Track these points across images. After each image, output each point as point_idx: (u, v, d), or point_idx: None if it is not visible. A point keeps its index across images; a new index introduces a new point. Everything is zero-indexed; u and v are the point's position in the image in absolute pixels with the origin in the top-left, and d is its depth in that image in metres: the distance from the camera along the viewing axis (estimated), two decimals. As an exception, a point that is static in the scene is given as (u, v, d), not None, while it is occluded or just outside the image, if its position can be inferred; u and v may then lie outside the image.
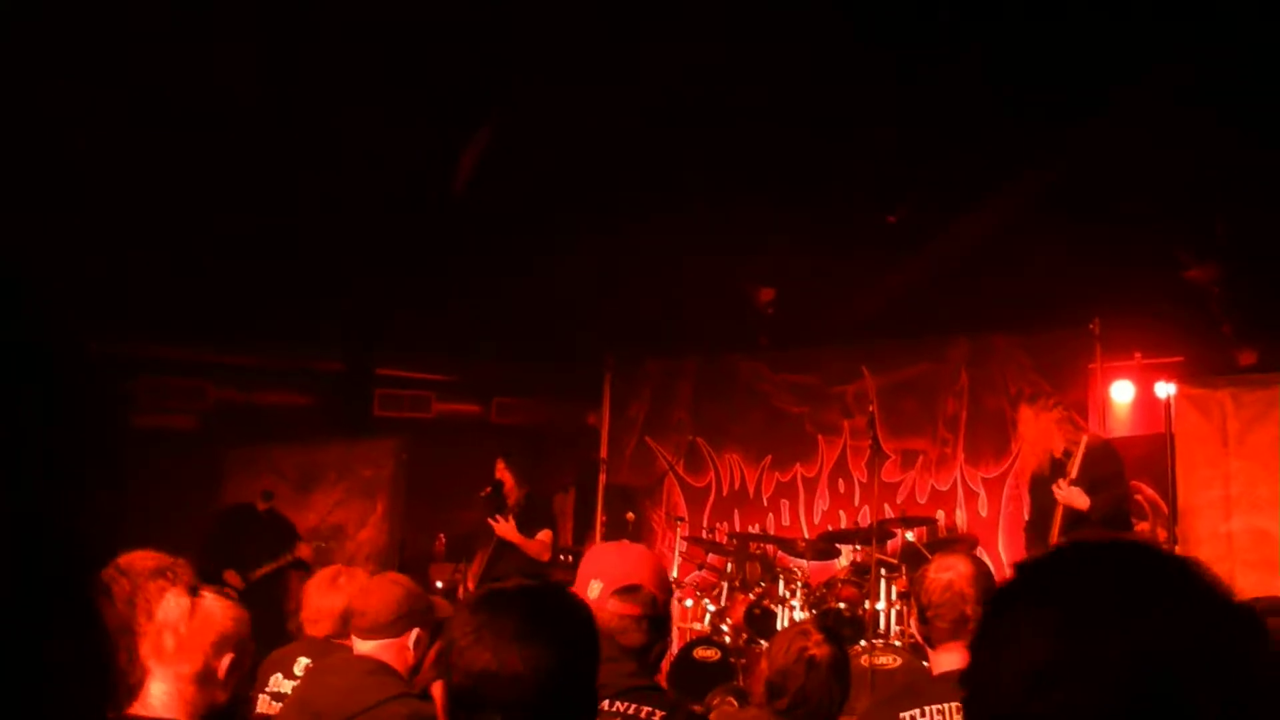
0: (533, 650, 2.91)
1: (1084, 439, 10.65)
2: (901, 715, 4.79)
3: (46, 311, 1.12)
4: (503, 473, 13.25)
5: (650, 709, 4.17)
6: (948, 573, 4.91)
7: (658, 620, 4.45)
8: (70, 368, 1.14)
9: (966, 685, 1.85)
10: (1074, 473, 10.43)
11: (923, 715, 4.74)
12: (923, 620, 4.89)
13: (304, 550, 14.10)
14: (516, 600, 3.03)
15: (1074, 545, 1.93)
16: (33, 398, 1.09)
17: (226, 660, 4.39)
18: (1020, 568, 1.92)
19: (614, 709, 4.13)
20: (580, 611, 3.14)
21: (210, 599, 4.44)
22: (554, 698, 2.94)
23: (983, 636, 1.85)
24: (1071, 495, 10.39)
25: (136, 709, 4.07)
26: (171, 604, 4.24)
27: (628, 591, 4.38)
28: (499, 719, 2.93)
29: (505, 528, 12.79)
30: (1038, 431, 10.94)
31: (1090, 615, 1.73)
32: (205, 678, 4.31)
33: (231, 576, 13.50)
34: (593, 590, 4.41)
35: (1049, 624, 1.73)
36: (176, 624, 4.22)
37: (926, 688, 4.94)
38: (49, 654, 1.06)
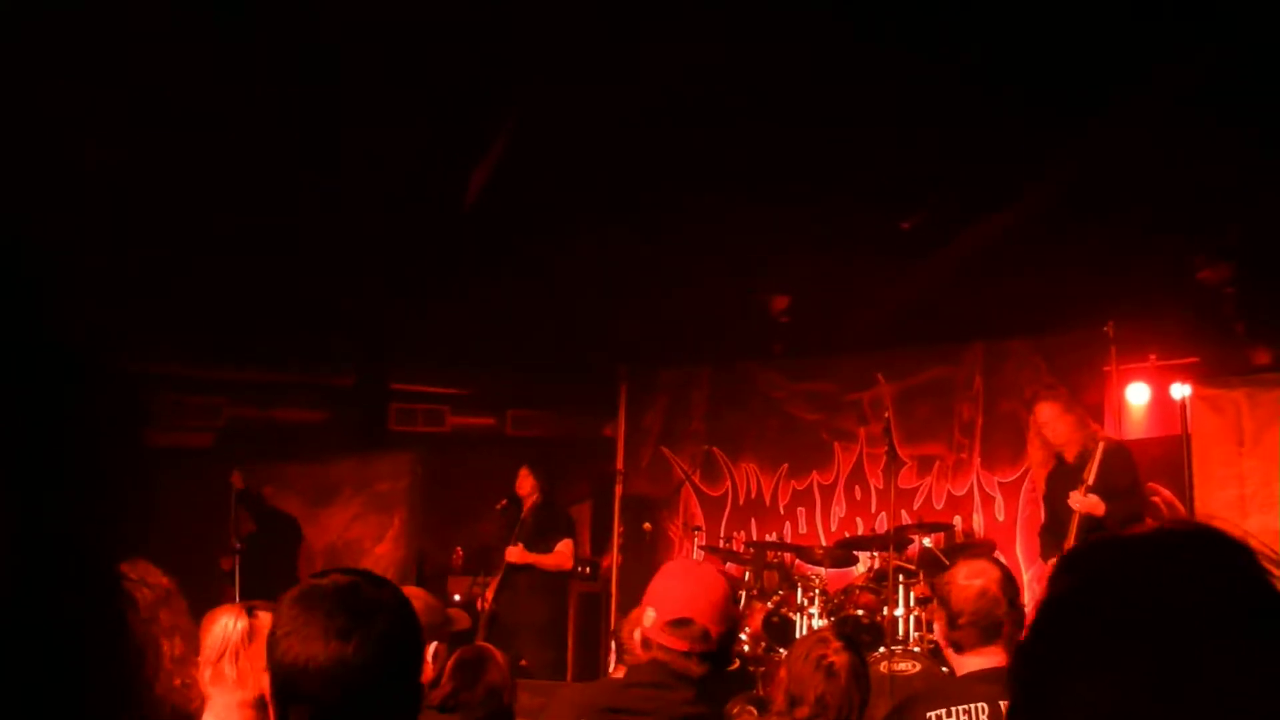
0: (340, 644, 2.92)
1: (1101, 443, 10.63)
2: (928, 715, 4.78)
3: (73, 318, 1.12)
4: (524, 479, 13.28)
5: None
6: (979, 579, 4.90)
7: (711, 655, 4.36)
8: (100, 376, 1.14)
9: None
10: (1091, 477, 10.41)
11: (949, 715, 4.73)
12: (952, 626, 4.87)
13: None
14: (329, 595, 3.03)
15: (1148, 541, 1.63)
16: (62, 405, 1.09)
17: None
18: (1082, 578, 1.62)
19: None
20: (392, 606, 3.10)
21: (266, 618, 4.41)
22: (364, 691, 2.95)
23: (1046, 673, 1.57)
24: (1089, 504, 10.37)
25: None
26: (230, 627, 4.22)
27: (678, 625, 4.32)
28: (312, 710, 2.97)
29: (515, 552, 12.84)
30: (1066, 427, 10.90)
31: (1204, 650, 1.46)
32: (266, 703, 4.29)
33: (224, 563, 13.72)
34: (647, 618, 4.35)
35: (1142, 665, 1.47)
36: (237, 649, 4.20)
37: (952, 688, 4.94)
38: (78, 662, 1.06)
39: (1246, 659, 1.45)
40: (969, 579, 4.91)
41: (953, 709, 4.74)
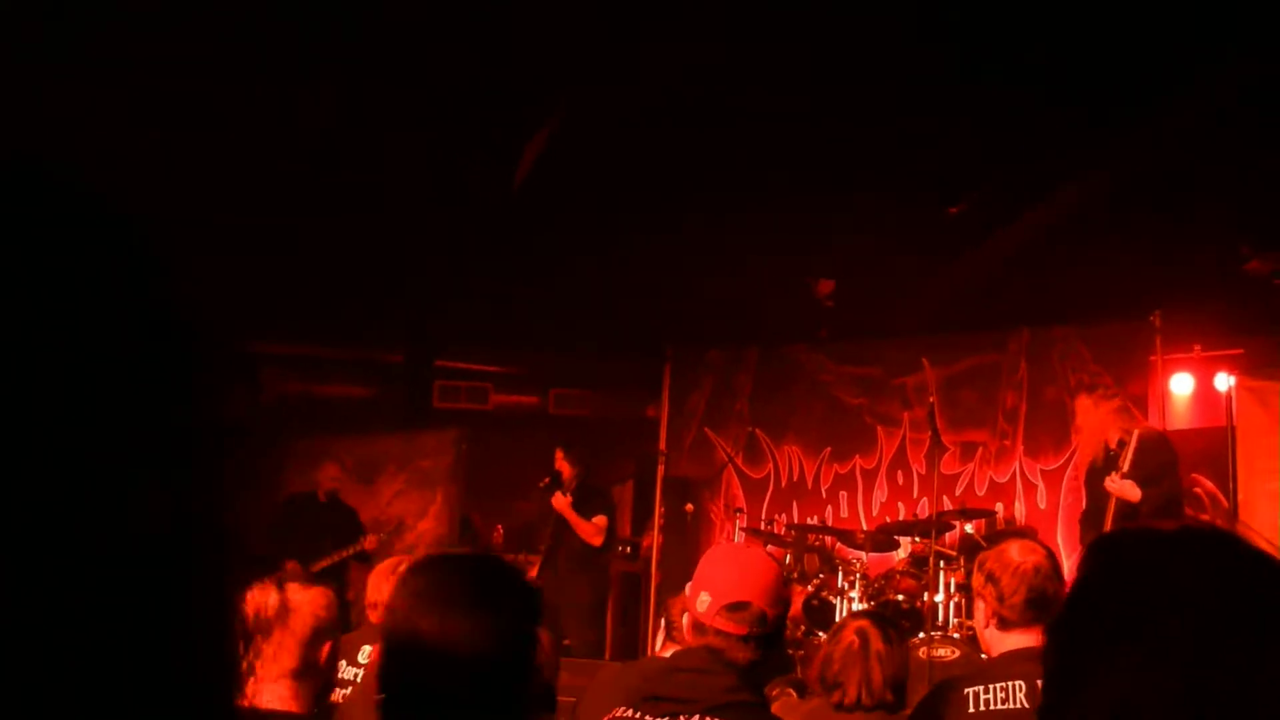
0: (461, 618, 2.93)
1: (1137, 431, 10.63)
2: (966, 691, 4.81)
3: (194, 303, 1.16)
4: (561, 463, 13.34)
5: None
6: (1033, 556, 4.92)
7: (766, 638, 4.29)
8: (225, 359, 1.17)
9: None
10: (1126, 465, 10.42)
11: (986, 692, 4.76)
12: (1001, 602, 4.88)
13: (370, 542, 14.11)
14: (451, 569, 3.05)
15: (1178, 534, 1.71)
16: (199, 383, 1.12)
17: (325, 649, 4.43)
18: (1116, 563, 1.73)
19: None
20: (515, 584, 3.13)
21: (295, 590, 4.48)
22: (481, 666, 2.94)
23: (1070, 659, 1.68)
24: (1124, 488, 10.39)
25: (248, 705, 4.11)
26: (265, 604, 4.27)
27: (735, 609, 4.25)
28: (428, 682, 2.95)
29: (561, 501, 12.91)
30: (1095, 421, 10.94)
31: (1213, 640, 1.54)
32: (305, 671, 4.36)
33: (292, 566, 13.54)
34: (701, 603, 4.29)
35: (1161, 651, 1.55)
36: (271, 623, 4.26)
37: (990, 667, 4.96)
38: (194, 641, 1.10)
39: (1268, 650, 1.51)
40: (1024, 555, 4.92)
41: (990, 686, 4.77)
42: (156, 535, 1.05)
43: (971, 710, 4.78)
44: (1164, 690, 1.53)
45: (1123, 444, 10.57)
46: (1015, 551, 4.99)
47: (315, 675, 4.39)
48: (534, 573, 13.30)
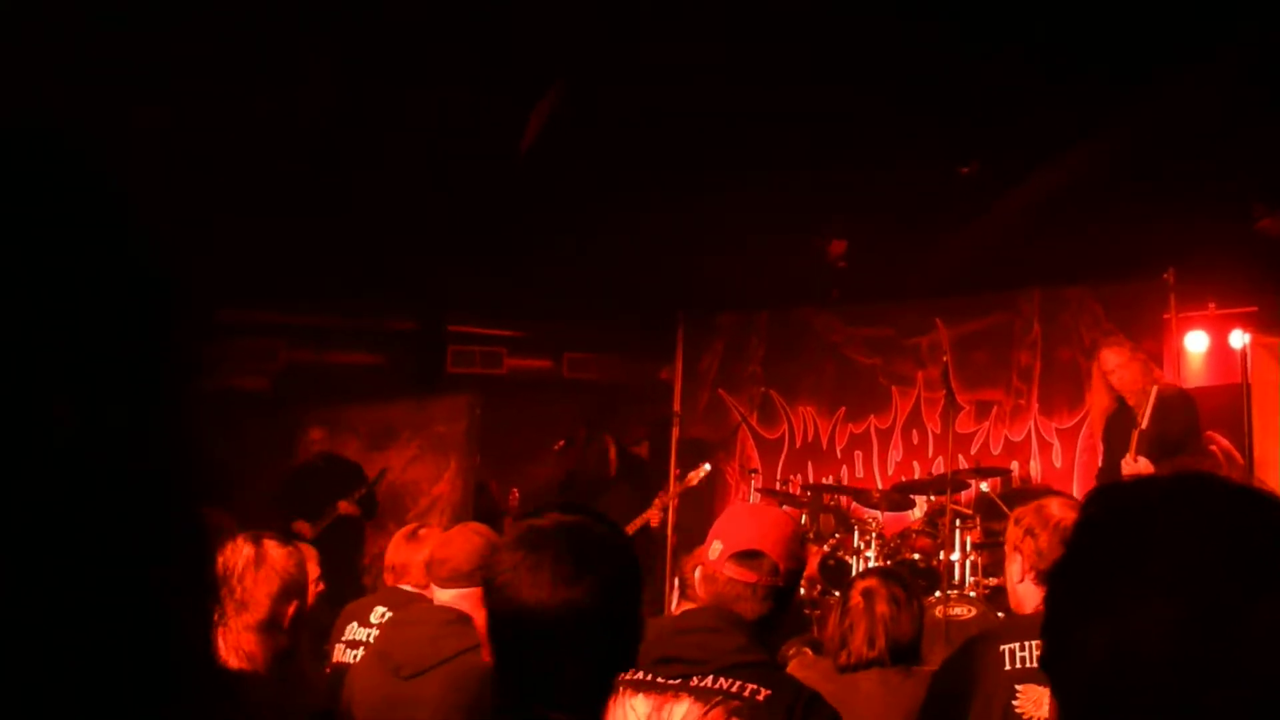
0: (565, 588, 2.93)
1: (1155, 387, 10.61)
2: (1002, 649, 4.80)
3: (171, 261, 1.16)
4: (614, 459, 13.50)
5: (755, 686, 3.98)
6: (1072, 512, 4.90)
7: (778, 591, 4.26)
8: (192, 315, 1.17)
9: (1053, 669, 1.73)
10: (1145, 421, 10.40)
11: (1022, 650, 4.74)
12: (1041, 557, 4.86)
13: (345, 507, 14.11)
14: (553, 538, 3.03)
15: (1152, 484, 1.77)
16: (167, 338, 1.13)
17: (292, 608, 4.45)
18: (1110, 519, 1.73)
19: (716, 685, 3.99)
20: (616, 547, 3.11)
21: (272, 546, 4.50)
22: (588, 632, 2.95)
23: (1070, 608, 1.70)
24: (1140, 469, 10.36)
25: None
26: (235, 552, 4.30)
27: (746, 556, 4.23)
28: (538, 652, 2.96)
29: (656, 516, 13.15)
30: (1132, 373, 10.89)
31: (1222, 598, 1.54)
32: (269, 626, 4.37)
33: (302, 526, 13.59)
34: (713, 551, 4.26)
35: (1171, 611, 1.55)
36: (243, 574, 4.28)
37: (1024, 624, 4.94)
38: (171, 577, 1.09)
39: (1263, 584, 1.52)
40: (1063, 511, 4.91)
41: (1026, 644, 4.75)
42: (121, 471, 1.04)
43: (1008, 668, 4.76)
44: (1162, 621, 1.54)
45: (1142, 399, 10.56)
46: (1055, 507, 4.99)
47: (278, 633, 4.41)
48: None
